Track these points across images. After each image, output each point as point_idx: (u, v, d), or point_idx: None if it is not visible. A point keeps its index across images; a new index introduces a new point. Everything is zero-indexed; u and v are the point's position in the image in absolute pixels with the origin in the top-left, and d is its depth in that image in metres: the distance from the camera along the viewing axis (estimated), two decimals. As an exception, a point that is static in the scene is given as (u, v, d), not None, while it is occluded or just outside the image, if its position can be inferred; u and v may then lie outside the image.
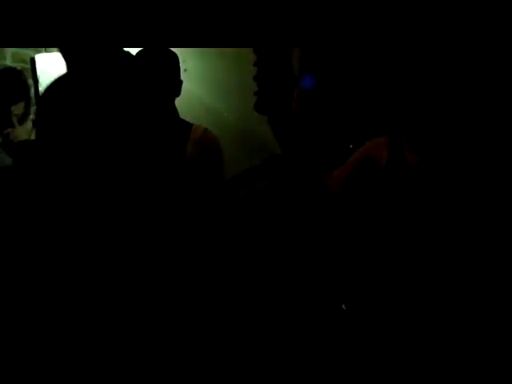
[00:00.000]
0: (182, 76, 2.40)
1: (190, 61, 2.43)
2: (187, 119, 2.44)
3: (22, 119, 2.76)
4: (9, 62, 2.90)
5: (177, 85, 2.38)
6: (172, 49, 2.32)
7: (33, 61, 2.93)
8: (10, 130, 2.62)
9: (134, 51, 2.22)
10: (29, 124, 2.78)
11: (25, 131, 2.67)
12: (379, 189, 1.66)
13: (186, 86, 2.45)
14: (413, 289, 1.41)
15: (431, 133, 1.51)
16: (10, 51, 2.90)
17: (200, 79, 2.80)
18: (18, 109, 2.73)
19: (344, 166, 2.21)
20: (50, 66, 2.86)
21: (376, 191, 1.70)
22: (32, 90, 2.89)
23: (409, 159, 1.68)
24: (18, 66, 2.93)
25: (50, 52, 2.86)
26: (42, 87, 2.83)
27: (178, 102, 2.44)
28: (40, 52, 2.91)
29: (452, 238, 1.26)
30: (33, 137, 2.64)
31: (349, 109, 3.19)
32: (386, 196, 1.59)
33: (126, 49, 2.05)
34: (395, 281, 1.44)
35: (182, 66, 2.41)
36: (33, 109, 2.85)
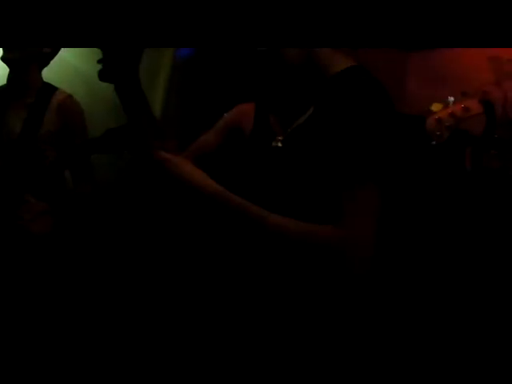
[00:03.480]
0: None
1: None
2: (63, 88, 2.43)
3: None
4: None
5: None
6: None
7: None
8: None
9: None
10: None
11: None
12: (243, 157, 1.66)
13: (60, 54, 2.43)
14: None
15: (293, 101, 1.52)
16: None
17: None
18: None
19: (209, 131, 2.24)
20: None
21: (240, 159, 1.70)
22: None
23: (274, 128, 1.70)
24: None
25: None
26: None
27: (51, 71, 2.42)
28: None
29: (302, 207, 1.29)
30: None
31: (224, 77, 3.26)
32: (249, 164, 1.59)
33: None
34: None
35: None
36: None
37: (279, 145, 1.44)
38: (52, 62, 2.44)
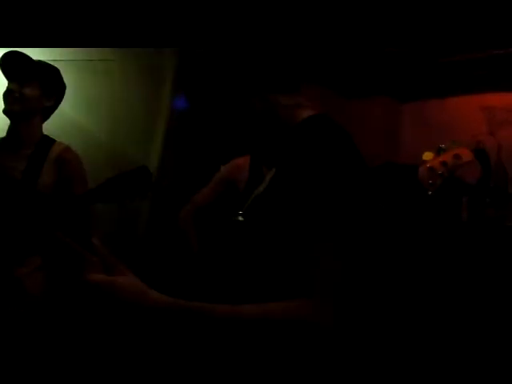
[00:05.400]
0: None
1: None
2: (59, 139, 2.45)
3: None
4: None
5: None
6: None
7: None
8: None
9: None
10: None
11: None
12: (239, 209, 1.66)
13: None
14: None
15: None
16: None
17: (68, 95, 2.74)
18: None
19: (206, 187, 2.21)
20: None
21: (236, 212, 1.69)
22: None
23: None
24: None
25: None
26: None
27: (49, 122, 2.44)
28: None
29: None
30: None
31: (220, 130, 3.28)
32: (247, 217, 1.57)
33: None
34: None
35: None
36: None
37: (240, 218, 1.33)
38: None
